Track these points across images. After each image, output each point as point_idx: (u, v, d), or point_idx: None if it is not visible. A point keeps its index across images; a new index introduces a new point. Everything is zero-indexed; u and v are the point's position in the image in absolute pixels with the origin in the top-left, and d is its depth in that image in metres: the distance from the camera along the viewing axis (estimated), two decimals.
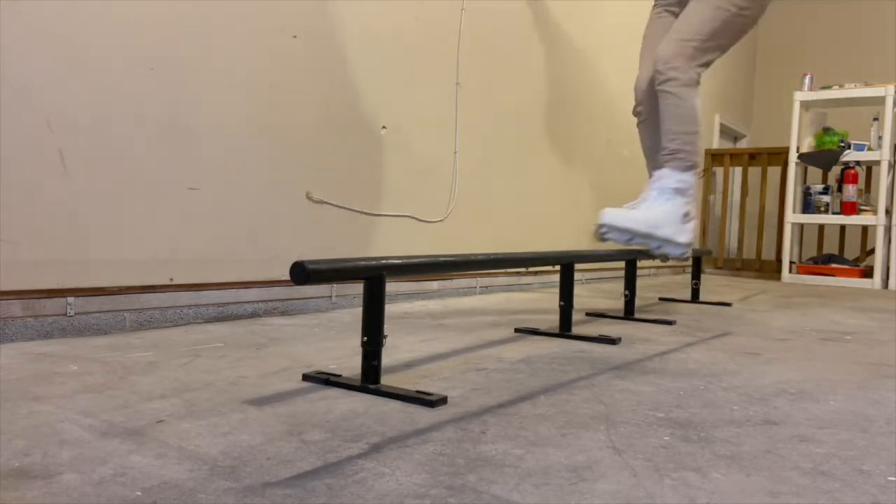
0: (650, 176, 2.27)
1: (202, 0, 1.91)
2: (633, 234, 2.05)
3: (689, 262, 3.28)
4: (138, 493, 0.75)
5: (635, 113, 2.36)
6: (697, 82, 2.13)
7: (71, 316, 1.67)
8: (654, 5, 2.45)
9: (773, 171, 5.25)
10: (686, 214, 2.09)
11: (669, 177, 2.07)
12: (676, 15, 2.33)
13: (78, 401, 1.10)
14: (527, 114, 3.36)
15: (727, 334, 2.05)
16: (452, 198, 2.89)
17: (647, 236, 2.06)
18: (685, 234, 2.09)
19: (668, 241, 2.09)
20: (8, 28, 1.54)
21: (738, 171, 5.52)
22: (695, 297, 2.99)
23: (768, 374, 1.47)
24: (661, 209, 2.06)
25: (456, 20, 2.84)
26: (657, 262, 4.68)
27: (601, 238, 2.07)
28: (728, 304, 2.92)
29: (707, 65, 2.18)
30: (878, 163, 4.57)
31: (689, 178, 2.10)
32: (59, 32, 1.63)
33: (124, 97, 1.76)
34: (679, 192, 2.08)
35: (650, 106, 2.25)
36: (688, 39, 2.11)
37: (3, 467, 0.81)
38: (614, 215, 2.01)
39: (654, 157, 2.27)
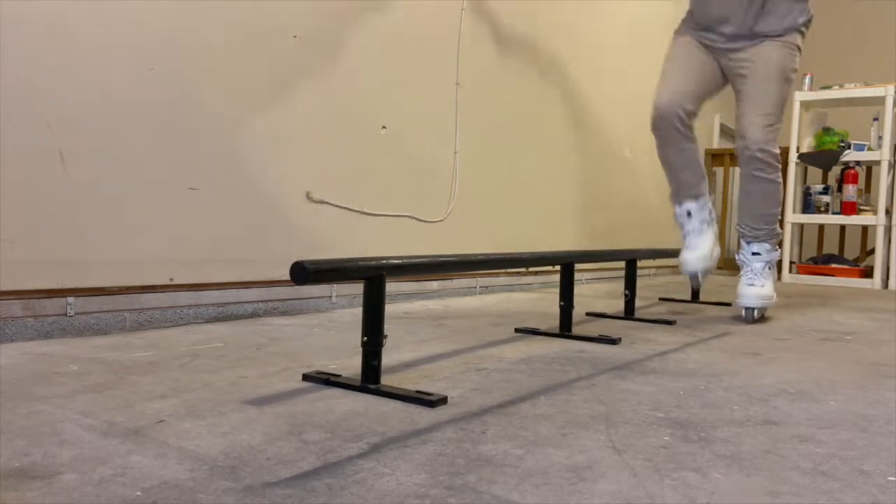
0: (678, 195, 2.41)
1: (202, 0, 1.91)
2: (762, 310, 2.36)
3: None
4: (138, 493, 0.75)
5: (655, 131, 2.35)
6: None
7: (71, 316, 1.67)
8: (684, 33, 2.39)
9: (780, 171, 5.24)
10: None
11: (772, 253, 2.37)
12: (711, 49, 2.33)
13: (78, 401, 1.10)
14: (527, 114, 3.36)
15: (727, 334, 2.05)
16: (452, 198, 2.89)
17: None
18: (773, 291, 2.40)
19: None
20: (8, 28, 1.54)
21: (737, 171, 5.51)
22: (695, 298, 2.99)
23: (768, 374, 1.47)
24: (771, 282, 2.38)
25: (456, 20, 2.84)
26: (657, 263, 4.68)
27: (752, 321, 2.33)
28: (728, 304, 2.91)
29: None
30: (878, 163, 4.57)
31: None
32: (59, 32, 1.63)
33: (124, 97, 1.76)
34: (774, 264, 2.41)
35: (672, 128, 2.29)
36: (775, 122, 2.22)
37: (3, 467, 0.81)
38: (753, 298, 2.31)
39: (681, 175, 2.37)
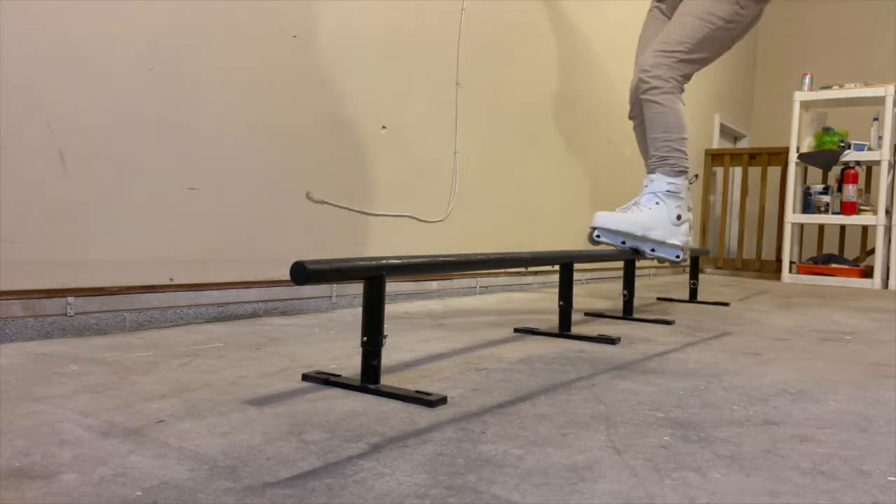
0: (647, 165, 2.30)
1: (202, 0, 1.91)
2: (625, 237, 2.07)
3: (688, 263, 3.30)
4: (138, 493, 0.75)
5: (631, 116, 2.37)
6: (680, 89, 2.16)
7: (71, 316, 1.67)
8: (650, 6, 2.45)
9: (773, 171, 5.25)
10: (679, 217, 2.12)
11: (660, 181, 2.11)
12: (668, 16, 2.34)
13: (78, 401, 1.10)
14: (527, 114, 3.36)
15: (727, 334, 2.05)
16: (452, 198, 2.89)
17: (640, 238, 2.08)
18: (678, 237, 2.11)
19: (661, 244, 2.10)
20: (8, 28, 1.54)
21: (738, 171, 5.52)
22: (693, 297, 2.99)
23: (768, 374, 1.47)
24: (653, 212, 2.09)
25: (456, 20, 2.84)
26: (656, 263, 4.68)
27: (594, 241, 2.10)
28: (726, 304, 2.92)
29: (690, 74, 2.20)
30: (878, 163, 4.57)
31: (680, 182, 2.13)
32: (59, 32, 1.63)
33: (124, 97, 1.76)
34: (670, 195, 2.11)
35: (642, 109, 2.26)
36: (671, 50, 2.13)
37: (3, 467, 0.81)
38: (607, 218, 2.04)
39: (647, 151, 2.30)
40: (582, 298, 2.97)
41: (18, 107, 1.57)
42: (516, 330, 1.98)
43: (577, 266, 2.06)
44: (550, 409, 1.14)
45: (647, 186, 2.13)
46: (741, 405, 1.20)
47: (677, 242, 2.11)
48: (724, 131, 6.45)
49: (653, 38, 2.29)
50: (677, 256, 2.14)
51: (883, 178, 4.48)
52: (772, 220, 5.25)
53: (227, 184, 2.01)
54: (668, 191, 2.10)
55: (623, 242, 2.09)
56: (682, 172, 2.13)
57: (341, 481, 0.80)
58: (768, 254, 5.33)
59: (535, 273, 3.47)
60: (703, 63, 2.21)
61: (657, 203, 2.09)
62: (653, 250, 2.11)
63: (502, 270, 3.17)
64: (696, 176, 2.24)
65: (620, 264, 2.39)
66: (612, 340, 1.80)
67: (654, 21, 2.39)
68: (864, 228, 4.96)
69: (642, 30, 2.44)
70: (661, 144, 2.12)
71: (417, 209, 2.71)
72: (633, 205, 2.12)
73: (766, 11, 2.32)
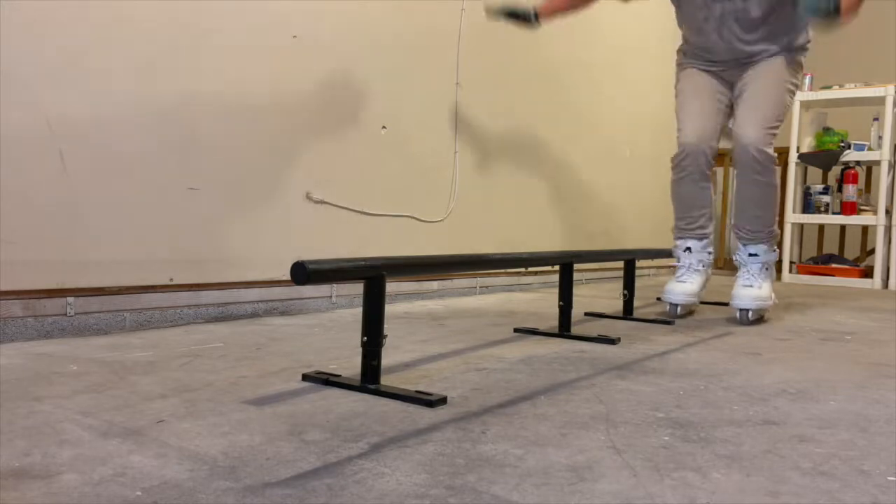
0: (683, 231, 2.45)
1: (202, 0, 1.91)
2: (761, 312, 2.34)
3: None
4: (138, 493, 0.75)
5: (679, 166, 2.37)
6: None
7: (71, 316, 1.67)
8: (688, 63, 2.42)
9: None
10: None
11: (768, 254, 2.35)
12: (717, 75, 2.36)
13: (78, 401, 1.10)
14: (527, 114, 3.36)
15: (727, 334, 2.05)
16: (452, 198, 2.89)
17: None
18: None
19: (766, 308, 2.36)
20: (8, 28, 1.54)
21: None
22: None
23: (768, 374, 1.47)
24: (769, 283, 2.36)
25: (456, 20, 2.84)
26: (656, 263, 4.68)
27: (748, 323, 2.30)
28: (726, 304, 2.91)
29: None
30: (878, 163, 4.57)
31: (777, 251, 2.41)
32: (58, 33, 1.63)
33: (124, 97, 1.76)
34: (772, 265, 2.39)
35: (697, 167, 2.33)
36: (773, 126, 2.22)
37: (3, 467, 0.81)
38: (752, 300, 2.28)
39: (692, 212, 2.41)
40: (582, 298, 2.97)
41: (18, 107, 1.57)
42: (516, 330, 1.98)
43: (577, 266, 2.06)
44: (550, 409, 1.14)
45: (755, 256, 2.34)
46: (741, 405, 1.20)
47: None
48: (727, 134, 6.45)
49: (714, 105, 2.35)
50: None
51: (883, 178, 4.48)
52: None
53: (227, 184, 2.01)
54: (774, 262, 2.39)
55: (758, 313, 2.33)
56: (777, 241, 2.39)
57: (341, 481, 0.80)
58: None
59: (535, 273, 3.47)
60: None
61: (767, 270, 2.36)
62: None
63: (502, 270, 3.17)
64: None
65: (620, 265, 2.40)
66: (612, 340, 1.80)
67: (706, 82, 2.37)
68: (864, 228, 4.96)
69: (692, 89, 2.39)
70: (769, 220, 2.33)
71: (417, 209, 2.71)
72: (748, 274, 2.33)
73: None
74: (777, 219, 2.37)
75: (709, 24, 2.26)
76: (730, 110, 2.40)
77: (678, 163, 2.36)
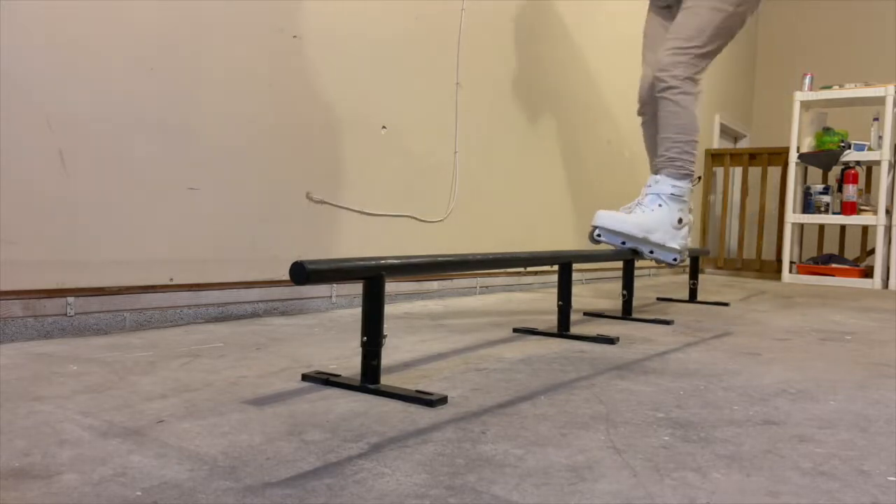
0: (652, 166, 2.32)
1: (202, 0, 1.91)
2: (626, 238, 2.08)
3: (687, 263, 3.31)
4: (138, 493, 0.75)
5: (640, 113, 2.37)
6: (698, 89, 2.15)
7: (71, 316, 1.67)
8: (650, 2, 2.45)
9: (773, 171, 5.25)
10: (680, 221, 2.12)
11: (665, 182, 2.10)
12: (671, 10, 2.34)
13: (78, 401, 1.10)
14: (527, 114, 3.36)
15: (727, 334, 2.05)
16: (452, 198, 2.89)
17: (641, 240, 2.09)
18: (678, 240, 2.12)
19: (660, 247, 2.11)
20: (8, 28, 1.54)
21: (738, 171, 5.52)
22: (692, 297, 2.99)
23: (768, 374, 1.47)
24: (655, 214, 2.08)
25: (456, 20, 2.84)
26: (655, 263, 4.68)
27: (594, 240, 2.11)
28: (726, 304, 2.91)
29: (706, 68, 2.18)
30: (878, 163, 4.57)
31: (685, 185, 2.13)
32: (58, 32, 1.63)
33: (124, 97, 1.76)
34: (674, 198, 2.11)
35: (653, 107, 2.26)
36: (687, 46, 2.11)
37: (3, 467, 0.81)
38: (608, 218, 2.05)
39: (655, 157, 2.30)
40: (582, 298, 2.97)
41: (18, 107, 1.57)
42: (516, 330, 1.98)
43: (576, 266, 2.06)
44: (550, 409, 1.14)
45: (650, 187, 2.13)
46: (741, 405, 1.20)
47: (676, 246, 2.11)
48: (725, 131, 6.45)
49: (659, 33, 2.29)
50: (675, 259, 2.14)
51: (883, 178, 4.48)
52: (772, 220, 5.25)
53: (227, 184, 2.01)
54: (671, 194, 2.10)
55: (623, 243, 2.09)
56: (688, 175, 2.13)
57: (341, 481, 0.80)
58: (768, 254, 5.33)
59: (535, 273, 3.47)
60: (716, 54, 2.19)
61: (660, 205, 2.09)
62: (651, 252, 2.12)
63: (502, 270, 3.17)
64: (699, 178, 2.24)
65: (620, 264, 2.40)
66: (611, 340, 1.80)
67: (656, 18, 2.38)
68: (864, 228, 4.96)
69: (646, 25, 2.43)
70: (672, 145, 2.12)
71: (417, 209, 2.71)
72: (636, 205, 2.12)
73: (765, 12, 2.33)
74: (685, 148, 2.13)
75: None
76: None
77: (638, 110, 2.33)
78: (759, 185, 5.16)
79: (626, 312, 2.35)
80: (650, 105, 2.28)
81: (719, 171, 5.59)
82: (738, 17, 2.17)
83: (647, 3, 2.47)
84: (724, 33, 2.16)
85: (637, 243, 2.09)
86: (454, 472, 0.84)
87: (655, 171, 2.16)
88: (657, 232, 2.08)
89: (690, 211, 2.20)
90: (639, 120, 2.44)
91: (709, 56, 2.16)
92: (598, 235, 2.08)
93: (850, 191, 4.62)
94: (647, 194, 2.13)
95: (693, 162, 2.15)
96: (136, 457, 0.85)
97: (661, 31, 2.33)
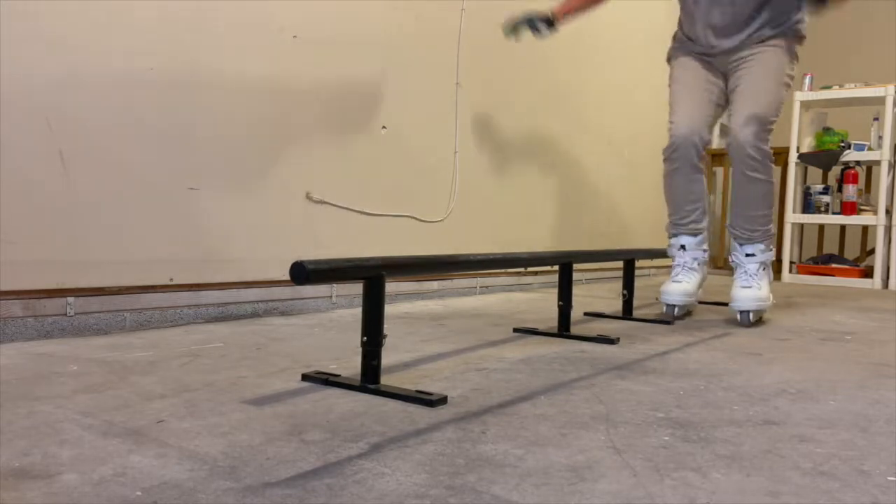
0: (677, 227, 2.43)
1: (202, 0, 1.91)
2: (762, 312, 2.31)
3: None
4: (138, 493, 0.75)
5: (670, 159, 2.35)
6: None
7: (71, 316, 1.67)
8: (681, 52, 2.40)
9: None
10: None
11: (766, 253, 2.32)
12: (711, 64, 2.34)
13: (78, 401, 1.10)
14: (527, 114, 3.36)
15: (727, 334, 2.05)
16: (452, 198, 2.89)
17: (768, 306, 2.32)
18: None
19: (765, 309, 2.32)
20: (8, 28, 1.54)
21: None
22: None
23: (768, 374, 1.47)
24: (766, 283, 2.32)
25: (456, 20, 2.84)
26: (655, 263, 4.68)
27: (748, 325, 2.25)
28: (725, 304, 2.91)
29: None
30: (878, 163, 4.57)
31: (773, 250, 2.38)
32: (58, 32, 1.63)
33: (124, 98, 1.76)
34: (769, 265, 2.36)
35: (688, 158, 2.30)
36: (768, 122, 2.20)
37: (3, 467, 0.81)
38: (753, 302, 2.24)
39: (685, 207, 2.38)
40: (582, 298, 2.97)
41: (18, 107, 1.57)
42: (516, 330, 1.98)
43: (576, 266, 2.06)
44: (550, 409, 1.14)
45: (752, 256, 2.30)
46: (741, 405, 1.20)
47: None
48: (725, 131, 6.45)
49: (706, 95, 2.32)
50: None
51: (883, 178, 4.48)
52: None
53: (227, 184, 2.01)
54: (771, 261, 2.35)
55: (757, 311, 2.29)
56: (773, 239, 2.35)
57: (341, 481, 0.80)
58: None
59: (535, 273, 3.47)
60: None
61: (764, 269, 2.32)
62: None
63: (502, 270, 3.17)
64: None
65: (620, 264, 2.40)
66: (611, 340, 1.80)
67: (699, 72, 2.35)
68: (864, 228, 4.96)
69: (683, 71, 2.39)
70: (765, 220, 2.29)
71: (417, 209, 2.71)
72: (746, 275, 2.31)
73: None
74: (773, 218, 2.34)
75: (698, 10, 2.26)
76: (723, 101, 2.37)
77: (668, 155, 2.34)
78: None
79: (627, 312, 2.35)
80: (685, 156, 2.30)
81: (719, 171, 5.58)
82: (790, 90, 2.31)
83: (674, 48, 2.45)
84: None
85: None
86: (454, 472, 0.84)
87: (752, 243, 2.30)
88: (769, 297, 2.33)
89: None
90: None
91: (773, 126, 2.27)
92: (752, 318, 2.25)
93: (850, 191, 4.61)
94: (748, 262, 2.31)
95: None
96: (136, 457, 0.85)
97: (704, 84, 2.33)
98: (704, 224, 2.41)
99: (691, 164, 2.30)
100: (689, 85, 2.36)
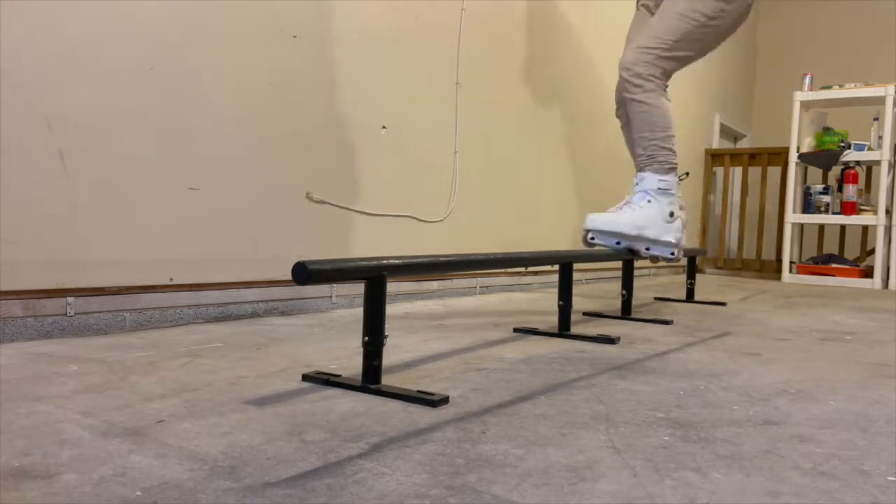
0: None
1: (202, 0, 1.91)
2: (620, 237, 2.08)
3: (684, 261, 3.31)
4: (138, 493, 0.75)
5: (618, 115, 2.35)
6: (663, 86, 2.14)
7: (71, 316, 1.67)
8: (637, 4, 2.44)
9: (773, 171, 5.25)
10: (671, 214, 2.11)
11: (650, 179, 2.10)
12: (647, 7, 2.34)
13: (78, 401, 1.10)
14: (527, 114, 3.36)
15: (727, 334, 2.05)
16: (452, 198, 2.89)
17: (635, 238, 2.08)
18: (672, 234, 2.11)
19: (655, 242, 2.10)
20: (8, 28, 1.54)
21: (738, 171, 5.52)
22: (689, 297, 2.99)
23: (768, 374, 1.47)
24: (645, 211, 2.08)
25: (456, 20, 2.84)
26: (654, 263, 4.68)
27: (588, 244, 2.10)
28: (723, 304, 2.91)
29: (671, 72, 2.17)
30: (878, 163, 4.57)
31: (671, 179, 2.12)
32: (58, 32, 1.63)
33: (124, 97, 1.76)
34: (662, 192, 2.11)
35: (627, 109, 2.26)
36: (651, 47, 2.11)
37: (3, 467, 0.81)
38: (599, 220, 2.05)
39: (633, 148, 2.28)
40: (581, 298, 2.98)
41: (18, 107, 1.57)
42: (516, 330, 1.98)
43: (576, 266, 2.05)
44: (550, 409, 1.14)
45: (636, 185, 2.13)
46: (741, 405, 1.20)
47: (671, 239, 2.10)
48: (725, 131, 6.45)
49: (641, 31, 2.29)
50: (672, 253, 2.14)
51: (883, 178, 4.48)
52: (772, 220, 5.25)
53: (227, 184, 2.01)
54: (658, 188, 2.10)
55: (618, 243, 2.09)
56: (672, 169, 2.13)
57: (341, 481, 0.80)
58: (768, 254, 5.33)
59: (535, 273, 3.47)
60: (685, 61, 2.19)
61: (648, 201, 2.09)
62: (647, 249, 2.11)
63: (502, 270, 3.17)
64: (687, 174, 2.22)
65: (619, 264, 2.40)
66: (611, 340, 1.80)
67: (640, 18, 2.38)
68: (864, 228, 4.96)
69: (630, 29, 2.43)
70: (648, 143, 2.12)
71: (417, 209, 2.71)
72: (625, 204, 2.12)
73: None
74: (662, 144, 2.12)
75: None
76: None
77: (616, 112, 2.33)
78: (759, 185, 5.16)
79: (626, 312, 2.35)
80: (625, 107, 2.25)
81: (719, 171, 5.59)
82: (712, 31, 2.15)
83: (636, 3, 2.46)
84: (693, 44, 2.14)
85: (632, 241, 2.09)
86: (454, 472, 0.84)
87: (639, 170, 2.15)
88: (650, 228, 2.08)
89: (682, 208, 2.18)
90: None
91: (674, 61, 2.14)
92: (592, 238, 2.08)
93: (850, 191, 4.62)
94: (634, 192, 2.13)
95: (674, 154, 2.14)
96: (136, 457, 0.85)
97: (639, 29, 2.33)
98: (637, 163, 2.21)
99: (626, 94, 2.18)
100: (629, 38, 2.36)
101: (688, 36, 2.12)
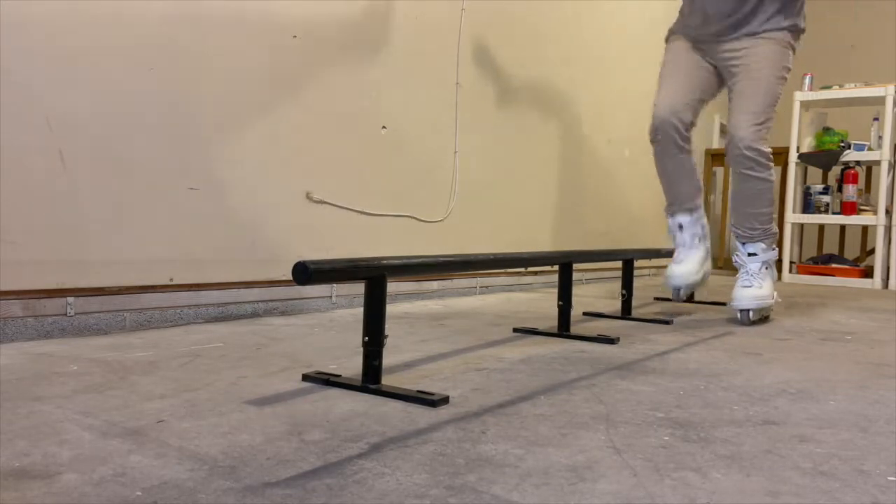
0: (672, 206, 2.43)
1: (202, 0, 1.91)
2: (765, 310, 2.33)
3: None
4: (138, 493, 0.75)
5: (654, 140, 2.36)
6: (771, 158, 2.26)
7: (71, 316, 1.67)
8: (676, 34, 2.41)
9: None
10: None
11: (767, 252, 2.32)
12: (703, 51, 2.34)
13: (78, 401, 1.10)
14: (527, 113, 3.36)
15: (727, 334, 2.05)
16: (452, 198, 2.89)
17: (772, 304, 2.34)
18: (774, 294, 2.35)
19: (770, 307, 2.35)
20: (8, 28, 1.54)
21: None
22: (689, 298, 2.99)
23: (768, 374, 1.47)
24: (769, 282, 2.32)
25: (456, 20, 2.84)
26: (654, 263, 4.68)
27: (748, 323, 2.26)
28: (723, 304, 2.91)
29: None
30: (878, 163, 4.57)
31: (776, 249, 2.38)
32: (58, 32, 1.63)
33: (124, 97, 1.76)
34: (773, 263, 2.36)
35: (670, 139, 2.31)
36: (764, 120, 2.19)
37: (3, 467, 0.81)
38: (754, 300, 2.24)
39: (677, 186, 2.39)
40: (581, 298, 2.97)
41: (18, 106, 1.57)
42: (516, 330, 1.98)
43: (576, 266, 2.06)
44: (550, 409, 1.14)
45: (754, 255, 2.31)
46: (741, 405, 1.20)
47: (778, 300, 2.38)
48: (725, 131, 6.45)
49: (692, 78, 2.32)
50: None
51: (883, 178, 4.48)
52: None
53: (227, 184, 2.01)
54: (774, 260, 2.35)
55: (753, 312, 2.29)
56: (776, 239, 2.36)
57: (341, 481, 0.80)
58: None
59: (535, 273, 3.47)
60: None
61: (767, 268, 2.32)
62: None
63: (502, 270, 3.17)
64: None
65: (619, 264, 2.40)
66: (611, 340, 1.80)
67: (689, 55, 2.36)
68: (864, 228, 4.97)
69: (673, 53, 2.39)
70: (766, 218, 2.30)
71: (417, 209, 2.71)
72: (747, 274, 2.30)
73: None
74: (775, 216, 2.34)
75: None
76: (711, 87, 2.37)
77: (653, 137, 2.35)
78: None
79: (626, 312, 2.35)
80: (667, 136, 2.30)
81: (719, 171, 5.59)
82: (786, 83, 2.28)
83: (674, 28, 2.44)
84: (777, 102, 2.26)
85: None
86: (454, 472, 0.84)
87: (752, 241, 2.30)
88: (771, 295, 2.32)
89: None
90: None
91: (772, 121, 2.25)
92: (752, 316, 2.26)
93: (850, 191, 4.62)
94: (750, 262, 2.30)
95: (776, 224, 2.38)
96: (136, 457, 0.85)
97: (692, 67, 2.33)
98: (699, 201, 2.42)
99: (675, 144, 2.31)
100: (677, 66, 2.36)
101: (778, 96, 2.23)
